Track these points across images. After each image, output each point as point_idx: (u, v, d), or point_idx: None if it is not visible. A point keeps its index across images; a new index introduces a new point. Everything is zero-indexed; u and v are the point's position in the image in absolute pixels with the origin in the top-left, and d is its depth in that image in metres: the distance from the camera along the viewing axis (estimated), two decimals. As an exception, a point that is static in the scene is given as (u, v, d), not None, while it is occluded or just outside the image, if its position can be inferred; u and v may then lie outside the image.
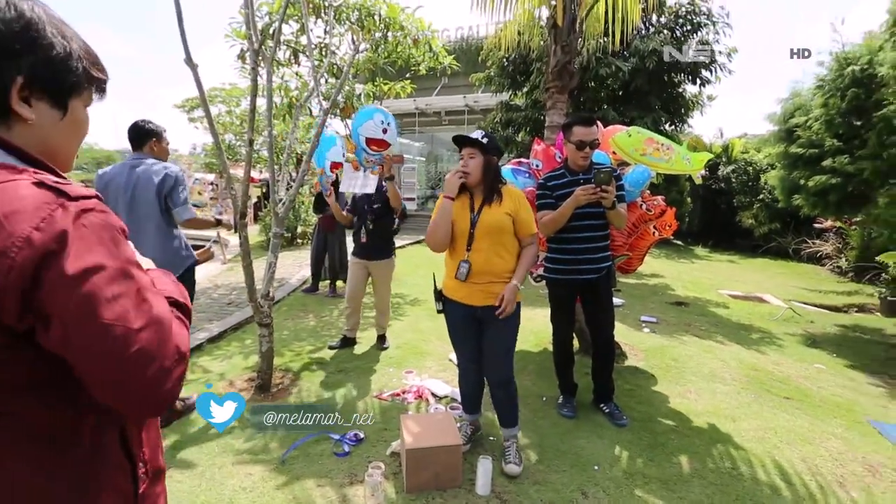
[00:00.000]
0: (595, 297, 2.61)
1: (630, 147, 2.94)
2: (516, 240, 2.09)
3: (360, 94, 6.49)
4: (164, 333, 0.62)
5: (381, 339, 3.87)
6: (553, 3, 3.59)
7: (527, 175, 3.23)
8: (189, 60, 2.53)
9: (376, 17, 5.78)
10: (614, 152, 3.16)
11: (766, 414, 2.85)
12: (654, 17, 7.48)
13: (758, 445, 2.47)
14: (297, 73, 6.68)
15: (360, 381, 3.19)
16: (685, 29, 7.53)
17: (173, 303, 0.73)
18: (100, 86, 0.74)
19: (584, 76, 7.53)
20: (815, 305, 6.48)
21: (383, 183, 3.52)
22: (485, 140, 2.06)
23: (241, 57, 5.98)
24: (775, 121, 6.36)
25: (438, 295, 2.24)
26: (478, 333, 2.16)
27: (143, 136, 2.57)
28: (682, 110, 8.23)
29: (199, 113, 13.68)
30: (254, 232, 12.30)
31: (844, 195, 5.20)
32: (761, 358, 3.94)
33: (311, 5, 5.19)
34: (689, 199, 11.65)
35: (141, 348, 0.59)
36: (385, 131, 3.06)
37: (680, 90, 8.23)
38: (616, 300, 5.59)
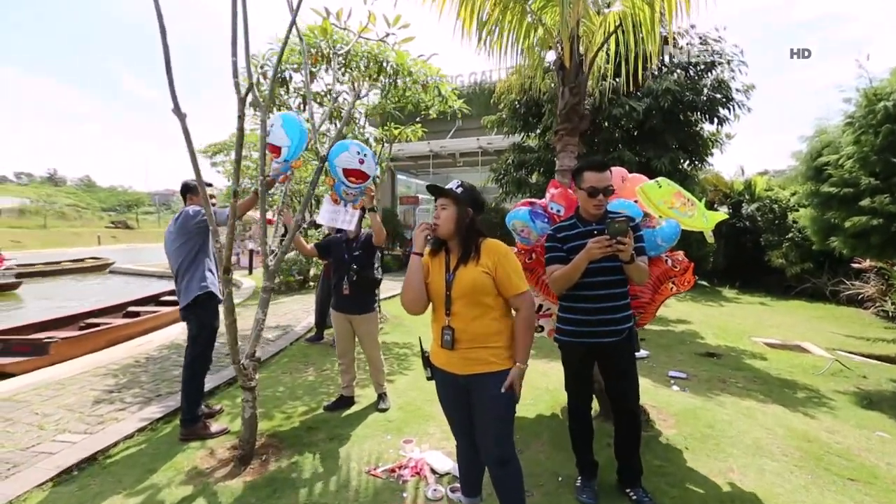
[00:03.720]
0: (615, 362, 2.28)
1: (659, 198, 2.78)
2: (501, 299, 1.85)
3: (368, 139, 6.50)
4: None
5: (381, 398, 3.56)
6: (559, 45, 3.47)
7: (545, 219, 2.99)
8: (177, 110, 2.44)
9: (387, 66, 5.86)
10: (636, 201, 2.95)
11: (829, 502, 2.39)
12: (667, 58, 7.44)
13: (824, 550, 2.03)
14: (307, 120, 6.79)
15: (353, 451, 2.86)
16: (699, 68, 7.43)
17: None
18: None
19: (598, 117, 7.42)
20: (864, 356, 5.87)
21: (364, 215, 3.32)
22: (459, 190, 1.87)
23: (254, 105, 6.12)
24: (801, 159, 6.04)
25: (426, 361, 1.99)
26: (467, 404, 1.89)
27: (183, 194, 3.20)
28: (701, 149, 7.99)
29: (220, 157, 14.12)
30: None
31: (889, 236, 4.77)
32: (812, 424, 3.45)
33: (318, 53, 5.29)
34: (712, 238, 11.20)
35: None
36: (362, 161, 2.95)
37: (697, 129, 8.04)
38: (640, 352, 5.16)
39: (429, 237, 1.94)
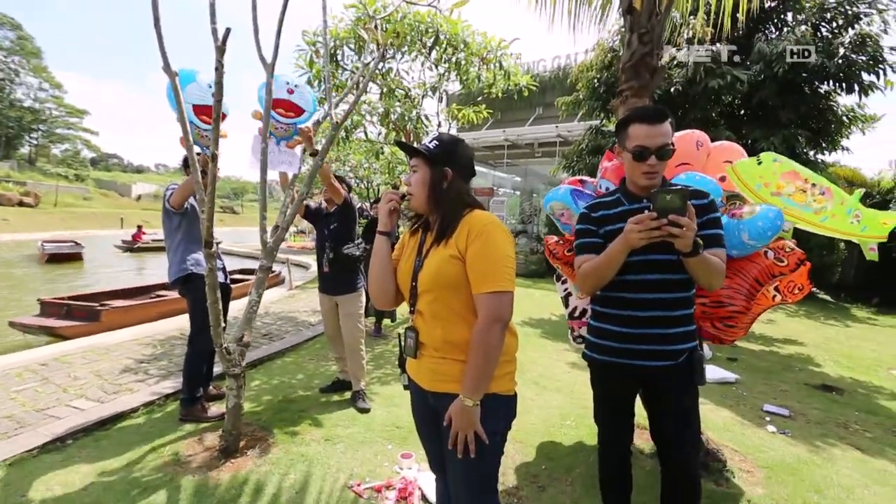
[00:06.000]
0: (664, 398, 1.61)
1: (755, 179, 2.08)
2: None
3: (421, 117, 6.11)
4: None
5: (357, 396, 3.15)
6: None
7: (592, 199, 2.38)
8: (167, 68, 2.23)
9: (441, 37, 5.41)
10: (723, 178, 2.20)
11: None
12: (790, 15, 5.95)
13: None
14: (367, 101, 6.60)
15: (345, 458, 2.49)
16: (837, 24, 5.77)
17: None
18: None
19: (691, 90, 6.21)
20: None
21: (306, 158, 2.91)
22: (432, 144, 1.36)
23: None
24: None
25: (402, 364, 1.52)
26: (439, 431, 1.37)
27: (184, 167, 2.85)
28: (832, 128, 6.25)
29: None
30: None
31: None
32: None
33: (372, 26, 4.99)
34: (841, 244, 9.10)
35: None
36: (291, 92, 2.63)
37: (830, 102, 6.28)
38: (726, 374, 4.16)
39: (400, 209, 1.48)
